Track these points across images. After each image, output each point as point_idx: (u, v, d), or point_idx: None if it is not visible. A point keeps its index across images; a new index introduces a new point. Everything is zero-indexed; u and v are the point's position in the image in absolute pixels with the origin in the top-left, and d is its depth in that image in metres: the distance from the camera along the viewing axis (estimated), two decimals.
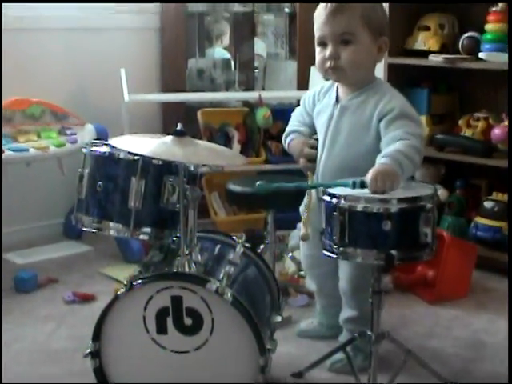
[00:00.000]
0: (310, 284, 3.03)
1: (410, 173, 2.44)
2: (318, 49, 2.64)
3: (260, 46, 5.16)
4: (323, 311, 2.99)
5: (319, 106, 2.76)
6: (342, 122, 2.65)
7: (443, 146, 3.89)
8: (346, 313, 2.81)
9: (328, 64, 2.60)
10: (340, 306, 2.84)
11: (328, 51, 2.59)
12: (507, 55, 3.58)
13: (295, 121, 2.83)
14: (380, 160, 2.39)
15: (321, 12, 2.60)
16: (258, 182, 2.43)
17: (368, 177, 2.33)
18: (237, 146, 4.18)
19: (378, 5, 2.65)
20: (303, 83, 4.50)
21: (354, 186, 2.33)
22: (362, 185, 2.33)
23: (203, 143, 2.60)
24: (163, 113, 4.63)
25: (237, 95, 4.83)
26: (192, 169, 2.59)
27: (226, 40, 5.13)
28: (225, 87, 4.93)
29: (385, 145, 2.48)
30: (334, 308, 2.88)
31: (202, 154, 2.47)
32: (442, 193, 3.79)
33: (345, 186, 2.37)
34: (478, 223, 3.75)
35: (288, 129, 2.82)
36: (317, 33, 2.63)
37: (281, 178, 2.91)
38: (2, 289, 3.41)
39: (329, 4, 2.58)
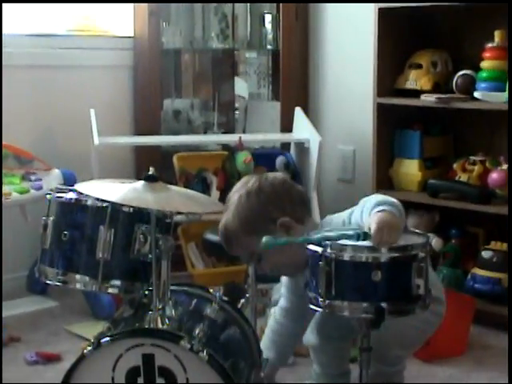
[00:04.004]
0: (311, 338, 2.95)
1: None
2: None
3: (241, 86, 5.18)
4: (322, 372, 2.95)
5: None
6: None
7: (437, 192, 3.91)
8: None
9: None
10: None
11: None
12: (505, 94, 3.60)
13: None
14: (376, 208, 2.34)
15: None
16: (264, 238, 2.40)
17: (372, 227, 2.28)
18: (215, 193, 4.18)
19: (253, 196, 2.59)
20: (287, 125, 4.52)
21: (358, 237, 2.29)
22: (365, 236, 2.29)
23: (177, 189, 2.60)
24: (136, 157, 4.63)
25: (216, 138, 4.84)
26: (165, 217, 2.58)
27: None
28: (203, 130, 4.94)
29: (358, 211, 2.46)
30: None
31: (176, 200, 2.46)
32: (436, 242, 3.80)
33: (349, 238, 2.33)
34: (476, 275, 3.75)
35: None
36: None
37: None
38: None
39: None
